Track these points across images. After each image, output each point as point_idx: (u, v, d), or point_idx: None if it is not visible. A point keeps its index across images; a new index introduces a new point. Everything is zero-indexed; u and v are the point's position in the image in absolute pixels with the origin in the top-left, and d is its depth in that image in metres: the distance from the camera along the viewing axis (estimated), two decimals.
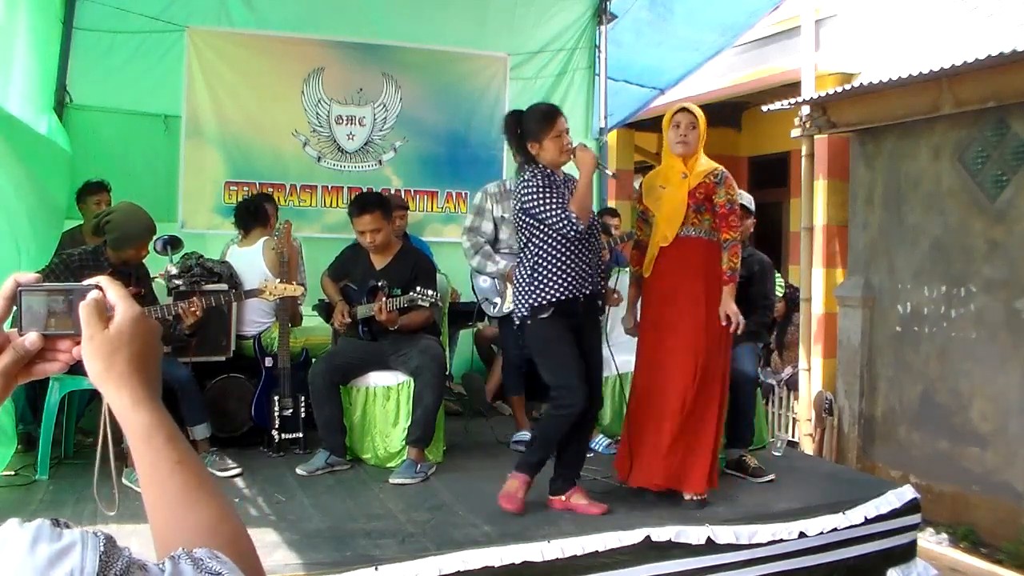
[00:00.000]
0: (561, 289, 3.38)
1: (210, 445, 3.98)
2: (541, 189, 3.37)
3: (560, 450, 3.49)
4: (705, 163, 3.67)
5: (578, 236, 3.38)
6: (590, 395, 3.41)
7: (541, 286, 3.39)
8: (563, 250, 3.40)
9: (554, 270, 3.39)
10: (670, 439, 3.50)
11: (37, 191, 3.75)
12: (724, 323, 3.56)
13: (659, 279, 3.64)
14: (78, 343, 0.79)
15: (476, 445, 4.47)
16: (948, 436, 5.50)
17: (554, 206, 3.34)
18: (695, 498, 3.51)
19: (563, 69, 6.50)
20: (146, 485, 0.76)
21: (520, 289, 3.47)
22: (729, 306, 3.57)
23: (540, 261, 3.41)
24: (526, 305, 3.42)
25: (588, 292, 3.46)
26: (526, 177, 3.45)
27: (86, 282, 0.81)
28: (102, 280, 0.81)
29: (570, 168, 3.60)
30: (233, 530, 0.76)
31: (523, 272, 3.47)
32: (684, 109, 3.66)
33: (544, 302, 3.39)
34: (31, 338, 0.80)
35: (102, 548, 0.61)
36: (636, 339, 3.79)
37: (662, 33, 6.34)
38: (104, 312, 0.79)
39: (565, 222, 3.33)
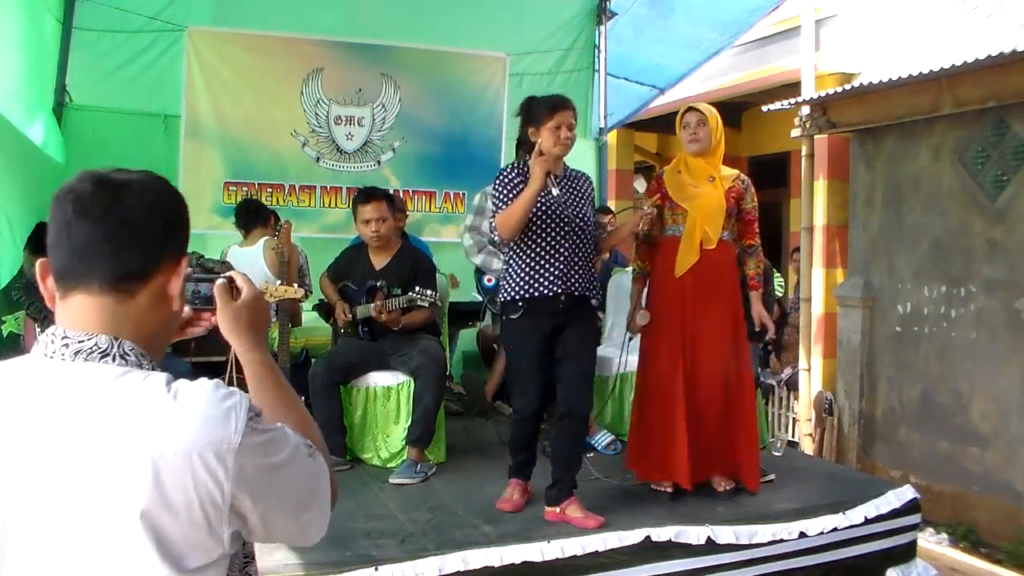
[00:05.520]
0: (529, 287, 3.27)
1: None
2: (504, 188, 3.32)
3: (553, 457, 3.41)
4: (727, 168, 3.69)
5: (566, 231, 3.28)
6: (548, 397, 3.39)
7: (511, 283, 3.33)
8: (537, 247, 3.28)
9: (524, 267, 3.29)
10: (714, 437, 3.58)
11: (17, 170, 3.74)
12: (759, 327, 3.70)
13: (693, 280, 3.54)
14: (215, 314, 1.21)
15: (476, 445, 4.46)
16: (948, 436, 5.50)
17: (496, 209, 3.32)
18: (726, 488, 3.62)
19: (563, 68, 6.50)
20: (254, 392, 1.18)
21: (500, 285, 3.46)
22: (761, 310, 3.71)
23: (513, 257, 3.34)
24: (499, 302, 3.43)
25: (570, 291, 3.29)
26: (503, 170, 3.40)
27: (221, 276, 1.21)
28: (233, 273, 1.22)
29: (574, 161, 3.56)
30: (310, 427, 1.18)
31: (501, 268, 3.49)
32: (691, 108, 3.62)
33: (509, 299, 3.33)
34: (185, 310, 1.18)
35: (248, 395, 1.06)
36: (634, 336, 3.76)
37: (662, 30, 6.34)
38: (229, 292, 1.21)
39: (491, 227, 3.36)
